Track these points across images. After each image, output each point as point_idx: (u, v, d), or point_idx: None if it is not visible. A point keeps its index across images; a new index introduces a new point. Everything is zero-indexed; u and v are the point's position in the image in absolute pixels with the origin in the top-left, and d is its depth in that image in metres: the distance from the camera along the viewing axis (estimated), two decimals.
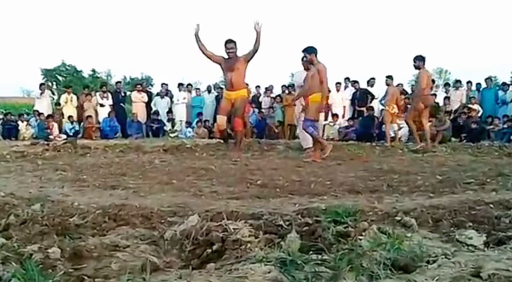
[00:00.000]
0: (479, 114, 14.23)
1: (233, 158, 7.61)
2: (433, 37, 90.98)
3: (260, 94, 17.04)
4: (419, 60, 9.91)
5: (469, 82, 15.72)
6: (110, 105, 16.17)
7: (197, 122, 15.95)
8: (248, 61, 8.42)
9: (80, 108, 16.24)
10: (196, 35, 8.37)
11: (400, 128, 13.02)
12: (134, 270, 2.08)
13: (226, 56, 8.41)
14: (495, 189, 4.47)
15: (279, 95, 16.27)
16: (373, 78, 15.42)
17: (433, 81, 13.68)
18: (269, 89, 16.92)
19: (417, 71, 10.26)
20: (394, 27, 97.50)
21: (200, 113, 16.18)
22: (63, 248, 2.27)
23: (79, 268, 2.13)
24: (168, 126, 16.81)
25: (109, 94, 16.48)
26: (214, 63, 8.52)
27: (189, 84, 18.03)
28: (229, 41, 8.35)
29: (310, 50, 7.96)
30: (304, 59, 8.27)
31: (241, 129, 8.83)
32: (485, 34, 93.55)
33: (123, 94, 17.50)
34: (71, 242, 2.40)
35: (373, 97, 14.89)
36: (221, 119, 8.78)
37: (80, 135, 15.05)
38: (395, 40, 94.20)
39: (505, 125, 13.42)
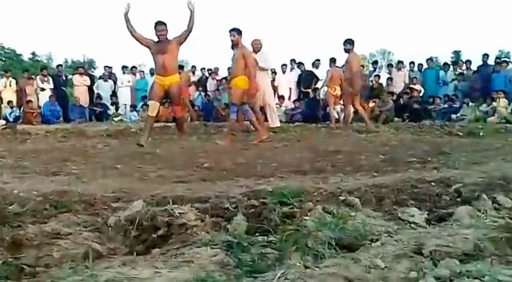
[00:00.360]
0: (421, 94, 14.60)
1: (180, 142, 7.51)
2: (377, 19, 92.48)
3: (206, 77, 16.87)
4: (349, 44, 10.03)
5: (411, 63, 16.09)
6: (51, 89, 15.70)
7: (142, 105, 15.68)
8: (181, 43, 7.92)
9: (20, 92, 15.66)
10: (126, 15, 7.79)
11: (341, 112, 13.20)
12: (76, 258, 2.03)
13: (156, 39, 7.84)
14: (436, 167, 4.59)
15: (225, 78, 16.17)
16: (318, 60, 15.54)
17: (362, 66, 13.99)
18: (214, 72, 16.77)
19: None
20: (339, 9, 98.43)
21: (145, 97, 15.85)
22: (2, 237, 2.21)
23: (19, 257, 2.07)
24: (111, 110, 16.46)
25: (50, 78, 15.98)
26: (144, 46, 7.92)
27: (134, 66, 17.62)
28: (159, 23, 7.78)
29: (238, 31, 8.07)
30: (231, 38, 8.15)
31: (183, 115, 8.45)
32: (427, 15, 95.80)
33: (64, 78, 17.01)
34: (10, 231, 2.32)
35: (317, 79, 15.02)
36: (154, 105, 7.95)
37: (20, 121, 14.53)
38: (340, 21, 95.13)
39: (446, 105, 13.85)
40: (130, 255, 2.10)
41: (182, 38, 7.81)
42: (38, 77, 16.07)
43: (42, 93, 15.54)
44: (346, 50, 10.11)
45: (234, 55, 8.19)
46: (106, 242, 2.29)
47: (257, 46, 10.01)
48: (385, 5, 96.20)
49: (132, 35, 7.80)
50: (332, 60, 13.15)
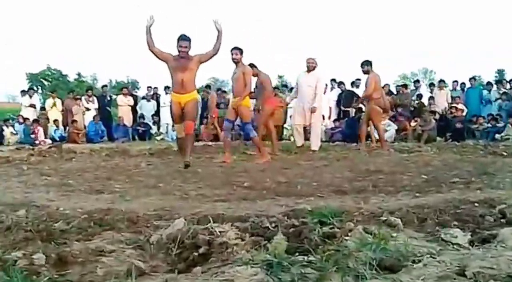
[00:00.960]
0: (464, 114, 14.35)
1: (183, 164, 6.96)
2: (419, 37, 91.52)
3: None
4: (366, 65, 9.99)
5: (455, 81, 15.86)
6: (95, 109, 16.12)
7: None
8: (202, 62, 7.34)
9: (66, 112, 16.13)
10: (148, 28, 7.21)
11: (386, 130, 13.06)
12: (119, 275, 2.07)
13: (176, 54, 7.22)
14: (480, 187, 4.50)
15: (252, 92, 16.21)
16: (359, 79, 15.45)
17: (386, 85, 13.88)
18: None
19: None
20: (379, 28, 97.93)
21: None
22: (48, 254, 2.25)
23: (64, 274, 2.12)
24: (154, 130, 16.74)
25: (95, 98, 16.44)
26: (162, 61, 7.31)
27: None
28: (183, 38, 7.16)
29: (240, 50, 8.13)
30: (234, 57, 8.15)
31: (192, 133, 7.54)
32: (469, 34, 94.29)
33: (108, 98, 17.43)
34: (56, 248, 2.38)
35: (358, 98, 14.95)
36: (179, 129, 7.50)
37: (65, 140, 14.93)
38: (381, 40, 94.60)
39: (489, 124, 13.55)
40: (172, 273, 2.13)
41: (205, 58, 7.31)
42: (83, 97, 16.54)
43: (88, 113, 15.97)
44: (365, 72, 10.07)
45: (235, 74, 8.24)
46: (148, 260, 2.33)
47: (311, 65, 9.92)
48: (428, 24, 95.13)
49: (150, 49, 7.24)
50: None
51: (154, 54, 7.27)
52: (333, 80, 15.87)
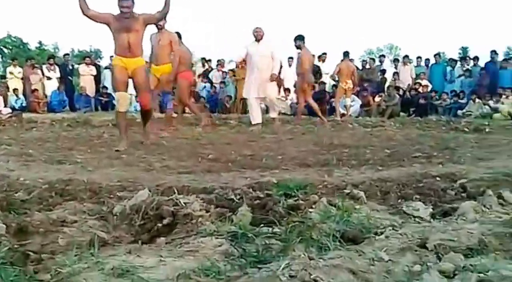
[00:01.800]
0: (428, 90, 14.56)
1: (147, 141, 6.45)
2: (384, 13, 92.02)
3: (212, 68, 16.86)
4: (299, 40, 10.02)
5: (418, 57, 16.05)
6: (57, 78, 15.74)
7: None
8: (147, 24, 6.47)
9: (25, 81, 15.70)
10: None
11: (351, 105, 13.20)
12: (82, 245, 2.03)
13: (119, 14, 6.25)
14: (442, 162, 4.59)
15: (231, 70, 16.15)
16: (325, 54, 15.52)
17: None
18: (221, 64, 16.76)
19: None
20: (346, 3, 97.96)
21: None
22: (8, 223, 2.20)
23: (25, 243, 2.07)
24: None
25: (57, 67, 16.02)
26: (103, 24, 6.28)
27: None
28: None
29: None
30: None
31: (151, 107, 6.68)
32: (435, 10, 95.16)
33: (70, 67, 17.04)
34: (16, 218, 2.33)
35: (321, 73, 14.99)
36: (124, 98, 6.32)
37: (26, 109, 14.56)
38: (347, 15, 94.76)
39: (452, 101, 13.81)
40: (135, 244, 2.11)
41: (151, 20, 6.52)
42: (45, 66, 16.10)
43: (48, 82, 15.58)
44: (297, 47, 10.10)
45: (160, 40, 8.08)
46: (111, 231, 2.29)
47: (259, 34, 9.53)
48: (393, 0, 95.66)
49: (84, 14, 6.20)
50: (345, 54, 13.04)
51: (91, 18, 6.28)
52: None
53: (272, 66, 9.44)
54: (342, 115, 12.17)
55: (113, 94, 16.10)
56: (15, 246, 2.04)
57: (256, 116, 9.50)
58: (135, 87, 6.54)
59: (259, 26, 9.61)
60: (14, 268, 1.75)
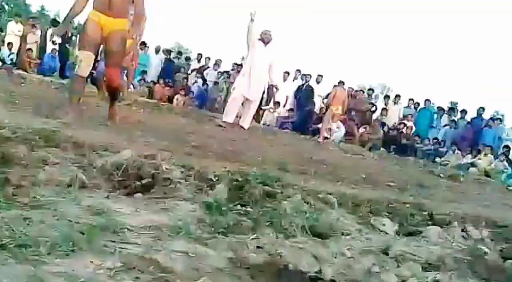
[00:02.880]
0: (412, 132, 14.77)
1: (113, 123, 5.53)
2: (381, 54, 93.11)
3: (208, 67, 16.90)
4: None
5: (411, 99, 16.28)
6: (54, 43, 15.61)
7: (139, 80, 15.65)
8: None
9: (23, 39, 15.53)
10: None
11: (335, 131, 13.36)
12: (61, 183, 2.08)
13: None
14: (413, 194, 4.70)
15: (226, 72, 16.21)
16: (321, 76, 15.69)
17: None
18: (217, 64, 16.81)
19: None
20: (346, 35, 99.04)
21: (143, 72, 15.89)
22: None
23: (5, 172, 2.10)
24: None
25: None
26: None
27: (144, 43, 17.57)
28: None
29: None
30: None
31: (119, 85, 5.68)
32: (430, 62, 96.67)
33: (69, 35, 16.91)
34: (1, 147, 2.36)
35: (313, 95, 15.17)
36: (88, 59, 5.10)
37: (16, 66, 14.41)
38: (345, 46, 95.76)
39: (433, 147, 14.05)
40: (113, 193, 2.16)
41: None
42: (51, 30, 15.91)
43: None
44: None
45: None
46: (91, 179, 2.34)
47: (268, 37, 9.27)
48: (391, 42, 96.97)
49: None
50: (340, 82, 13.40)
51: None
52: (298, 70, 15.95)
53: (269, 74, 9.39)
54: (325, 138, 12.29)
55: None
56: None
57: (231, 114, 9.30)
58: (105, 55, 5.46)
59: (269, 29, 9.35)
60: None
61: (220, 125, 8.71)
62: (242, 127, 9.14)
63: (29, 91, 7.22)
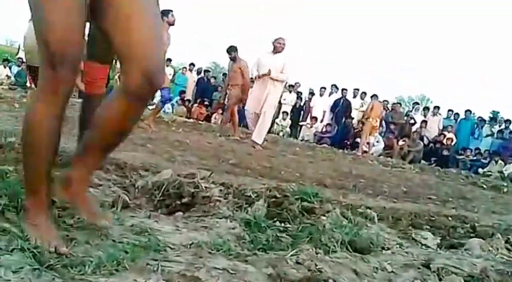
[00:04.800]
0: (453, 143, 14.53)
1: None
2: (419, 65, 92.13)
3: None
4: (234, 51, 9.49)
5: (450, 110, 16.05)
6: None
7: (178, 100, 15.92)
8: None
9: None
10: None
11: (374, 145, 13.27)
12: (105, 204, 2.14)
13: None
14: (455, 207, 4.62)
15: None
16: (357, 89, 15.64)
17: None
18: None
19: None
20: (385, 47, 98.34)
21: (182, 92, 16.16)
22: None
23: (52, 194, 2.17)
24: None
25: None
26: None
27: (169, 59, 17.90)
28: None
29: None
30: None
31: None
32: (470, 72, 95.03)
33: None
34: None
35: (350, 109, 15.14)
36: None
37: None
38: (384, 58, 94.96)
39: (475, 158, 13.77)
40: (155, 212, 2.21)
41: None
42: None
43: None
44: (232, 58, 9.53)
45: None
46: (133, 199, 2.40)
47: (281, 46, 8.63)
48: (430, 54, 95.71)
49: None
50: (373, 96, 13.44)
51: None
52: (334, 85, 15.94)
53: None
54: (364, 152, 12.20)
55: None
56: None
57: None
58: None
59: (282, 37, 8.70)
60: None
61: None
62: (255, 142, 8.23)
63: (73, 115, 7.39)
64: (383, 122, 14.69)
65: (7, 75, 15.22)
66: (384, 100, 15.32)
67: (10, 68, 15.50)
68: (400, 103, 17.28)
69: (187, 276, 1.48)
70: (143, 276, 1.46)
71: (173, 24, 7.44)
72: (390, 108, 15.86)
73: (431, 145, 14.39)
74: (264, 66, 8.52)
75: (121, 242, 1.71)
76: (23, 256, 1.46)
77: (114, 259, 1.52)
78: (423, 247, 2.63)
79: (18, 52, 16.80)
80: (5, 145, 2.86)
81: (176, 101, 15.92)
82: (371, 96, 13.73)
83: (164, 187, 2.50)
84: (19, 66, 15.31)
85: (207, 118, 14.85)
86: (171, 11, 7.41)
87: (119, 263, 1.50)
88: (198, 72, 17.31)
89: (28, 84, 14.06)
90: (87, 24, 1.73)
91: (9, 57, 18.02)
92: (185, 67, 18.14)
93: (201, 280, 1.47)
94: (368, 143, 12.80)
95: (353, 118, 14.81)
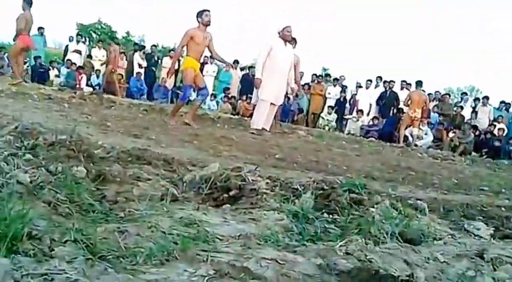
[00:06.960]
0: (504, 134, 14.09)
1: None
2: (469, 55, 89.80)
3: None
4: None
5: (502, 102, 15.57)
6: (141, 66, 16.35)
7: (223, 97, 16.02)
8: None
9: (110, 64, 16.36)
10: None
11: (422, 137, 13.04)
12: (153, 198, 2.17)
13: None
14: (509, 198, 4.48)
15: (307, 84, 16.23)
16: (404, 81, 15.34)
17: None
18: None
19: None
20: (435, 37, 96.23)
21: (226, 89, 16.25)
22: (89, 169, 2.36)
23: (102, 188, 2.23)
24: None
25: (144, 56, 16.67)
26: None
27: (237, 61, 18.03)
28: None
29: None
30: None
31: None
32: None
33: (156, 58, 17.60)
34: (96, 166, 2.50)
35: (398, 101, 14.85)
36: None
37: (104, 91, 15.18)
38: (434, 49, 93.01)
39: None
40: (203, 205, 2.22)
41: None
42: (137, 53, 16.66)
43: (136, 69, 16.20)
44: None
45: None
46: (181, 193, 2.42)
47: (290, 35, 8.47)
48: (479, 44, 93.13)
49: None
50: (418, 83, 13.06)
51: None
52: (379, 77, 15.70)
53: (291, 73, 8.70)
54: (408, 144, 11.99)
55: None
56: (93, 189, 2.20)
57: (266, 121, 8.60)
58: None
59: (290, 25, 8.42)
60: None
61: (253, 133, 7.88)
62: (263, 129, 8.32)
63: (120, 114, 7.57)
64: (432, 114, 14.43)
65: (56, 75, 15.65)
66: (435, 91, 14.98)
67: (58, 70, 15.92)
68: (449, 94, 16.85)
69: (236, 266, 1.49)
70: (193, 266, 1.47)
71: (208, 24, 7.56)
72: (438, 99, 15.52)
73: (482, 136, 14.00)
74: (279, 61, 8.38)
75: (171, 234, 1.73)
76: (76, 247, 1.50)
77: (165, 250, 1.54)
78: (476, 237, 2.55)
79: (66, 54, 17.29)
80: (56, 142, 2.93)
81: (221, 98, 16.03)
82: (416, 83, 13.25)
83: (211, 180, 2.51)
84: (68, 68, 15.70)
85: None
86: (205, 11, 7.53)
87: (169, 254, 1.53)
88: (242, 69, 17.38)
89: (77, 85, 14.46)
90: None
91: (57, 59, 18.53)
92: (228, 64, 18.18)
93: (250, 270, 1.47)
94: (411, 134, 12.59)
95: (401, 110, 14.53)
